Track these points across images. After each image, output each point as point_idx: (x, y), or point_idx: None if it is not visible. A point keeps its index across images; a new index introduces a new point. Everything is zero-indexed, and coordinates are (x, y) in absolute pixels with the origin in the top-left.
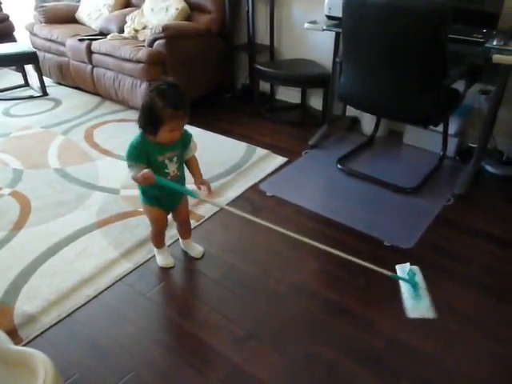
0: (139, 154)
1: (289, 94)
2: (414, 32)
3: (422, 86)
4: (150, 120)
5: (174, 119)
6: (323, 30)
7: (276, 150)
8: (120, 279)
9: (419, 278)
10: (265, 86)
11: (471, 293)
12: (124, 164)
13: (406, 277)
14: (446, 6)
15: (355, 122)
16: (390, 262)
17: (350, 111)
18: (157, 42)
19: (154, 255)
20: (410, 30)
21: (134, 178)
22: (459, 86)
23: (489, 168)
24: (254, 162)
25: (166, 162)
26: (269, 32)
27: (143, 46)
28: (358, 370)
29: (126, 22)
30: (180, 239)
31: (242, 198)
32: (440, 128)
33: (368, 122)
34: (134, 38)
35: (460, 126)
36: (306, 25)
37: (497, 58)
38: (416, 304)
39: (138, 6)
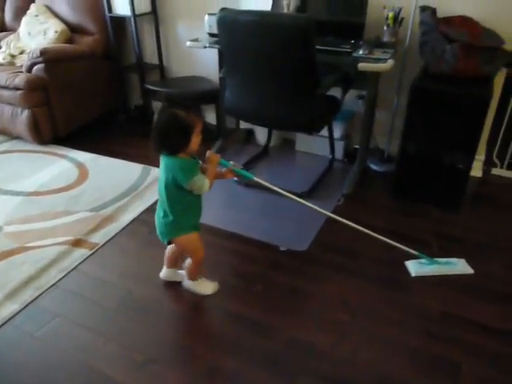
0: (194, 166)
1: None
2: (283, 46)
3: (298, 96)
4: (181, 135)
5: (198, 120)
6: (205, 47)
7: None
8: (5, 322)
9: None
10: (158, 105)
11: (362, 285)
12: (6, 198)
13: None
14: (311, 21)
15: (250, 134)
16: (286, 266)
17: (245, 123)
18: (35, 66)
19: (40, 295)
20: (280, 45)
21: (210, 185)
22: (338, 93)
23: (373, 166)
24: (149, 182)
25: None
26: (157, 51)
27: (21, 71)
28: (258, 374)
29: (0, 47)
30: (168, 269)
31: (139, 220)
32: (327, 133)
33: (261, 132)
34: (11, 63)
35: (344, 129)
36: (188, 43)
37: (362, 66)
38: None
39: (13, 30)
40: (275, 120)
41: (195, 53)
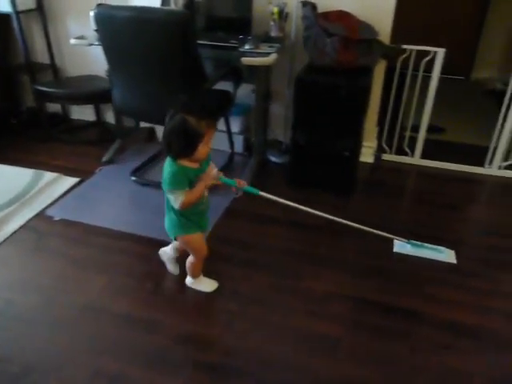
0: (182, 180)
1: (84, 112)
2: (162, 42)
3: (185, 92)
4: (186, 141)
5: (209, 129)
6: (90, 45)
7: (68, 171)
8: None
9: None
10: (56, 107)
11: (253, 275)
12: None
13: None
14: (188, 16)
15: (151, 132)
16: (180, 262)
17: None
18: None
19: None
20: (159, 41)
21: (184, 204)
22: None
23: (272, 158)
24: (40, 188)
25: None
26: (47, 50)
27: None
28: (142, 374)
29: None
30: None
31: (26, 228)
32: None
33: (163, 130)
34: None
35: (242, 123)
36: (73, 41)
37: (245, 60)
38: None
39: None
40: (164, 117)
41: (89, 51)
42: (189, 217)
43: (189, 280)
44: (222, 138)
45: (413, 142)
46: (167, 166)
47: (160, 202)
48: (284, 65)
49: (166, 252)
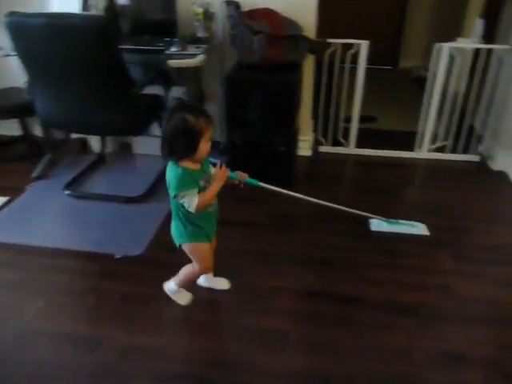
0: (190, 181)
1: (9, 127)
2: (82, 49)
3: (112, 99)
4: (188, 140)
5: (208, 126)
6: (6, 55)
7: None
8: None
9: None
10: None
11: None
12: None
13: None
14: (106, 20)
15: (84, 143)
16: (121, 273)
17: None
18: None
19: None
20: (79, 48)
21: (200, 204)
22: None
23: (211, 159)
24: None
25: (207, 185)
26: None
27: None
28: None
29: None
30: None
31: None
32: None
33: (96, 140)
34: None
35: None
36: None
37: (171, 62)
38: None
39: None
40: (94, 126)
41: (9, 62)
42: (196, 222)
43: (170, 286)
44: (157, 143)
45: (347, 132)
46: (170, 171)
47: (97, 213)
48: (215, 65)
49: (202, 283)
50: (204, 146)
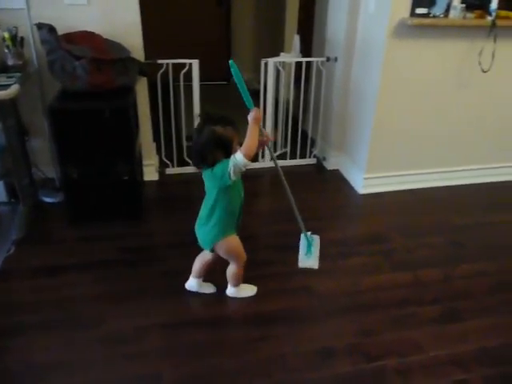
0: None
1: None
2: None
3: None
4: (223, 147)
5: (235, 133)
6: None
7: None
8: None
9: (316, 243)
10: None
11: (47, 338)
12: None
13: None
14: None
15: None
16: None
17: None
18: None
19: None
20: None
21: (247, 151)
22: None
23: (46, 199)
24: None
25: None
26: None
27: None
28: None
29: None
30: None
31: None
32: None
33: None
34: None
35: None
36: None
37: None
38: (307, 258)
39: None
40: None
41: None
42: (228, 211)
43: (231, 290)
44: None
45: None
46: (211, 171)
47: None
48: (35, 94)
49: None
50: (236, 149)
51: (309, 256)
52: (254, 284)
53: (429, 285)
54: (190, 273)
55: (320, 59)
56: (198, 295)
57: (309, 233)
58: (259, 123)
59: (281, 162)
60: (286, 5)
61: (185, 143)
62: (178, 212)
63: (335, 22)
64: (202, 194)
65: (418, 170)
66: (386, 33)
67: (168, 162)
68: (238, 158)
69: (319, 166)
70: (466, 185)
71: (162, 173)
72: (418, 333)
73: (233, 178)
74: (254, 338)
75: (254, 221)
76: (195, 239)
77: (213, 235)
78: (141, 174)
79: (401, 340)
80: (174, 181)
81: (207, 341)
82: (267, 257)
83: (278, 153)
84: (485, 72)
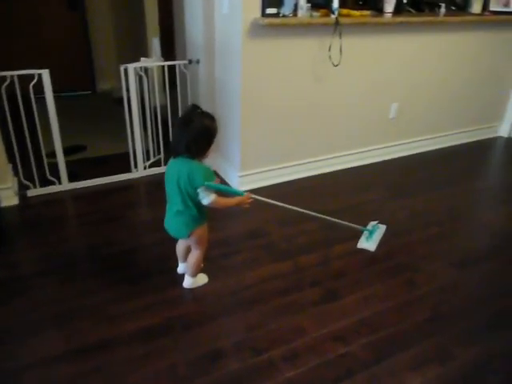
0: (211, 174)
1: None
2: None
3: None
4: (209, 142)
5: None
6: None
7: None
8: None
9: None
10: None
11: None
12: None
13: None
14: None
15: None
16: None
17: None
18: None
19: None
20: None
21: (215, 203)
22: None
23: None
24: None
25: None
26: None
27: None
28: None
29: None
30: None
31: None
32: None
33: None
34: None
35: None
36: None
37: None
38: (365, 241)
39: None
40: None
41: None
42: (203, 209)
43: (188, 282)
44: None
45: (56, 168)
46: (190, 163)
47: None
48: None
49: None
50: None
51: (368, 240)
52: (136, 298)
53: (308, 269)
54: (68, 300)
55: (182, 62)
56: (80, 321)
57: (376, 222)
58: (240, 205)
59: (155, 170)
60: (144, 8)
61: (47, 161)
62: (48, 234)
63: (193, 24)
64: (73, 214)
65: (292, 162)
66: (241, 33)
67: (28, 184)
68: (207, 201)
69: None
70: (336, 171)
71: (23, 196)
72: (301, 317)
73: (199, 189)
74: (138, 355)
75: (133, 233)
76: (74, 260)
77: (192, 223)
78: None
79: (285, 327)
80: (38, 202)
81: (87, 369)
82: (145, 269)
83: (151, 161)
84: (336, 66)
